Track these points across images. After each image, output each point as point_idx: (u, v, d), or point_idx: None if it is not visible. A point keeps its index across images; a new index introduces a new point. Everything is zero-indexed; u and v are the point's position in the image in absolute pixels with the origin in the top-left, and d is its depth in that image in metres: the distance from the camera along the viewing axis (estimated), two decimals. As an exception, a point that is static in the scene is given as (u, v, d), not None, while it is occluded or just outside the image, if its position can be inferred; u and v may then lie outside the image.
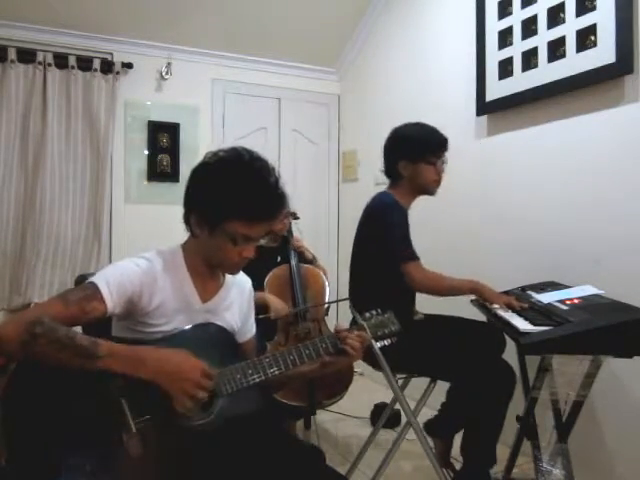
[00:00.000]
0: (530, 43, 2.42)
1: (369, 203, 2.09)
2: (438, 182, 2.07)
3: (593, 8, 2.13)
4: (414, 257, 1.93)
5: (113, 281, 1.18)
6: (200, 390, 1.11)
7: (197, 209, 1.26)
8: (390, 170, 2.09)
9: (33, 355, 1.04)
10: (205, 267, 1.32)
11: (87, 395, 1.05)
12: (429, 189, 2.07)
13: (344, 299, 2.21)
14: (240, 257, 1.26)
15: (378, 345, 1.43)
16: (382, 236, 1.94)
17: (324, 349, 1.31)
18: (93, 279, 1.18)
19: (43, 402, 1.08)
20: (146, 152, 3.60)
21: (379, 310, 1.43)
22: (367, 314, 1.42)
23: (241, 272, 1.45)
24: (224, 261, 1.28)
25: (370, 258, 2.02)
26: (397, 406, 2.15)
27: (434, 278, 1.94)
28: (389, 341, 1.43)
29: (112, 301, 1.16)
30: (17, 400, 1.07)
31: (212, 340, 1.29)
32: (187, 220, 1.30)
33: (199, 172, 1.28)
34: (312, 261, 2.68)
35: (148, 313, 1.23)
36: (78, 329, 1.34)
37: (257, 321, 1.54)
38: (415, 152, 2.02)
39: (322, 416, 2.88)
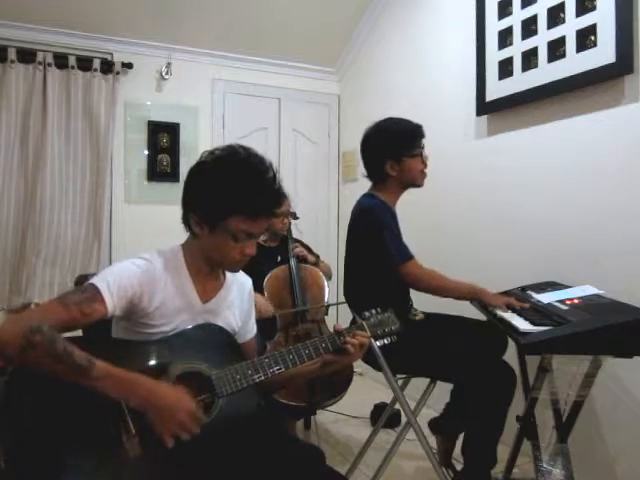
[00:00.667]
0: (530, 43, 2.42)
1: (355, 207, 2.07)
2: (424, 172, 2.06)
3: (593, 8, 2.13)
4: (410, 256, 1.92)
5: (113, 282, 1.18)
6: (184, 432, 1.09)
7: (196, 208, 1.26)
8: (376, 172, 2.06)
9: (29, 362, 1.04)
10: (205, 267, 1.32)
11: (87, 396, 1.05)
12: (417, 182, 2.05)
13: (341, 302, 2.22)
14: (242, 254, 1.26)
15: (378, 344, 1.43)
16: (373, 239, 1.92)
17: (324, 348, 1.31)
18: (93, 280, 1.18)
19: (43, 403, 1.07)
20: (146, 152, 3.60)
21: (379, 309, 1.43)
22: (367, 313, 1.42)
23: (241, 272, 1.45)
24: (225, 259, 1.28)
25: (362, 261, 2.02)
26: (397, 406, 2.15)
27: (436, 276, 1.93)
28: (389, 340, 1.43)
29: (112, 303, 1.16)
30: (17, 401, 1.06)
31: (213, 340, 1.28)
32: (186, 220, 1.30)
33: (196, 171, 1.28)
34: (316, 264, 2.68)
35: (149, 314, 1.23)
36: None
37: (258, 320, 1.53)
38: (398, 149, 2.00)
39: (322, 416, 2.88)
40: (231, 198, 1.20)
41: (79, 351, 1.05)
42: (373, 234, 1.93)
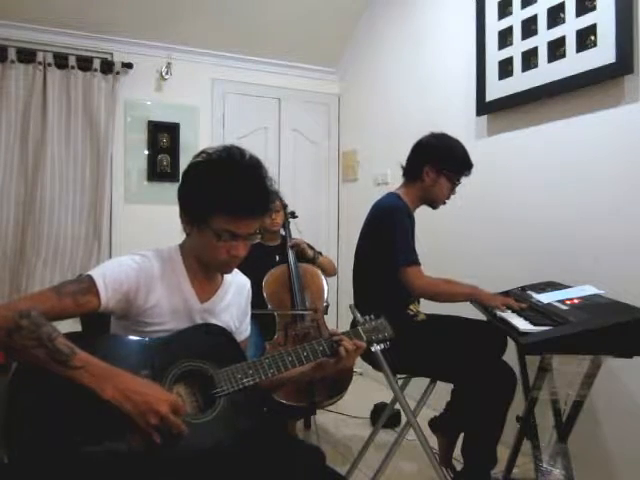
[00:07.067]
0: (530, 43, 2.42)
1: (377, 202, 2.08)
2: (447, 201, 2.11)
3: (593, 8, 2.13)
4: (415, 262, 1.93)
5: (110, 275, 1.19)
6: (165, 425, 1.07)
7: (184, 207, 1.28)
8: (412, 170, 2.08)
9: (14, 346, 1.04)
10: (202, 267, 1.33)
11: (90, 393, 1.05)
12: (436, 203, 2.10)
13: (350, 303, 2.22)
14: (228, 255, 1.25)
15: (372, 349, 1.45)
16: (385, 238, 1.93)
17: (321, 351, 1.32)
18: (90, 272, 1.20)
19: (45, 400, 1.07)
20: (146, 152, 3.61)
21: (372, 316, 1.46)
22: (361, 319, 1.45)
23: (240, 273, 1.45)
24: (213, 259, 1.27)
25: (372, 258, 2.02)
26: (397, 406, 2.15)
27: (433, 284, 1.94)
28: (382, 346, 1.45)
29: (106, 296, 1.18)
30: (19, 398, 1.06)
31: (213, 340, 1.29)
32: (182, 219, 1.30)
33: (187, 170, 1.30)
34: (314, 260, 2.66)
35: (144, 312, 1.23)
36: (78, 326, 1.35)
37: (257, 320, 1.54)
38: (445, 163, 2.03)
39: (322, 416, 2.87)
40: (212, 196, 1.20)
41: (63, 339, 1.06)
42: (387, 231, 1.94)
